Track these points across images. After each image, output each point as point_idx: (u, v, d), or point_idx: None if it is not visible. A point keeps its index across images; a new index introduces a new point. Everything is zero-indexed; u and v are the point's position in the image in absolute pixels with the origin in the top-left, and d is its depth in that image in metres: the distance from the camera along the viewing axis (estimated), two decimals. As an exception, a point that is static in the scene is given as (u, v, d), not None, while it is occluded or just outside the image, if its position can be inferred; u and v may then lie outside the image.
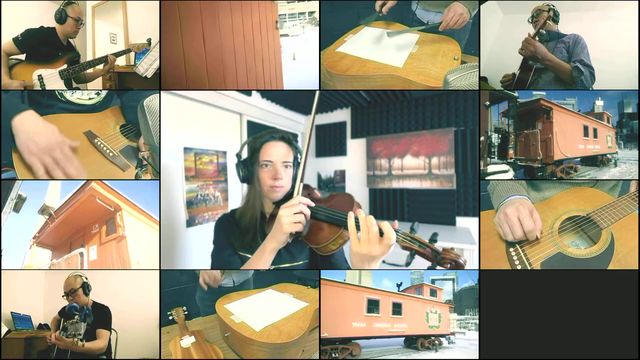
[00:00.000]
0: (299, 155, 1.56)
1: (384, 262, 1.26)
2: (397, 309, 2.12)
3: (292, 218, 1.24)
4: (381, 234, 1.14)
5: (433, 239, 1.15)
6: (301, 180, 1.36)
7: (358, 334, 1.85)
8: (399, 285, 2.31)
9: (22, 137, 1.40)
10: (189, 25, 1.87)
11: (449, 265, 1.11)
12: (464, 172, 3.77)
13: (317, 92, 1.46)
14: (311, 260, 1.59)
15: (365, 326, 1.89)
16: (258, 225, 1.51)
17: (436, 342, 2.26)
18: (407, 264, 1.14)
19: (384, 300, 2.03)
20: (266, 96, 3.98)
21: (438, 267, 1.13)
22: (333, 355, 1.73)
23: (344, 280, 1.92)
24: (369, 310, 1.95)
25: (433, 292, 2.45)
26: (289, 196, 1.48)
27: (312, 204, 1.29)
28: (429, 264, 1.15)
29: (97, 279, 1.96)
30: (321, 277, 1.80)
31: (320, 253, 1.31)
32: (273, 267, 1.41)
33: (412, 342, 2.19)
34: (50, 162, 1.42)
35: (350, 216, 1.18)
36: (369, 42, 2.04)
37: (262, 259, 1.32)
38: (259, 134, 1.53)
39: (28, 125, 1.41)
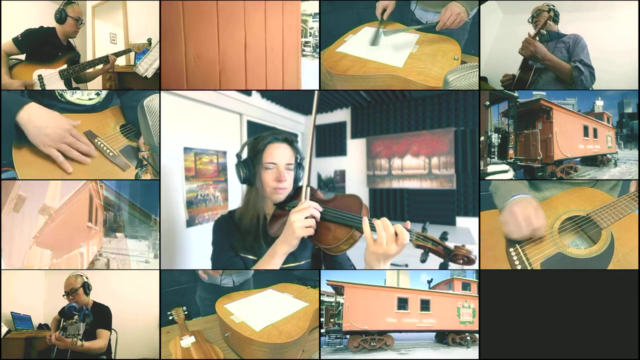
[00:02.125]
0: (298, 156, 1.56)
1: None
2: (425, 305, 2.25)
3: (304, 222, 1.26)
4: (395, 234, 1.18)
5: (444, 237, 1.19)
6: (308, 184, 1.37)
7: (391, 328, 2.13)
8: (429, 282, 2.38)
9: (33, 133, 1.45)
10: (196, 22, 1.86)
11: (461, 262, 1.15)
12: (464, 172, 3.77)
13: (317, 92, 1.47)
14: (313, 260, 1.60)
15: (396, 321, 2.16)
16: (260, 227, 1.50)
17: (469, 338, 2.25)
18: (423, 261, 1.18)
19: (413, 298, 2.22)
20: (266, 96, 3.97)
21: (450, 264, 1.17)
22: (372, 344, 2.06)
23: (384, 282, 2.20)
24: (399, 308, 2.19)
25: (466, 286, 2.41)
26: (290, 197, 1.49)
27: (321, 208, 1.31)
28: (440, 260, 1.19)
29: (97, 279, 1.96)
30: (335, 280, 2.04)
31: (330, 253, 1.32)
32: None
33: (443, 337, 2.25)
34: (65, 147, 1.52)
35: (365, 220, 1.22)
36: (369, 42, 2.04)
37: (272, 262, 1.32)
38: (260, 134, 1.52)
39: (35, 119, 1.45)
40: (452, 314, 2.30)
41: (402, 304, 2.19)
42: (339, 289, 2.03)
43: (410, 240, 1.19)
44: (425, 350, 2.18)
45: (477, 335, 2.20)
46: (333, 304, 2.03)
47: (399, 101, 4.24)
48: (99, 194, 2.26)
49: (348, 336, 2.04)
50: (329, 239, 1.28)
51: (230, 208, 3.25)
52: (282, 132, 1.53)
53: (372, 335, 2.08)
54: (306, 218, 1.27)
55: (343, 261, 1.63)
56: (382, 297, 2.15)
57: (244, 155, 1.52)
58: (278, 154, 1.46)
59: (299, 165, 1.54)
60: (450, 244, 1.18)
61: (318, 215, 1.29)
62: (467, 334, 2.26)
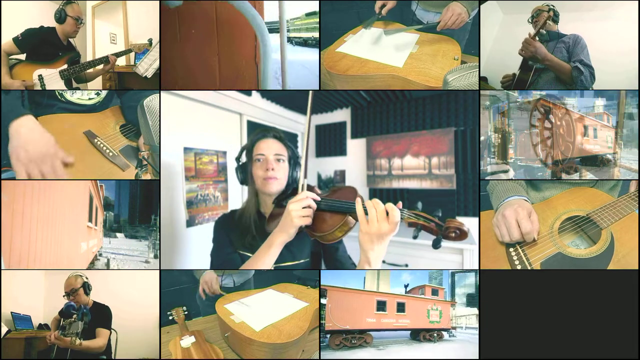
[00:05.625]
0: (296, 154, 1.59)
1: (384, 262, 1.30)
2: (400, 307, 2.54)
3: (301, 212, 1.29)
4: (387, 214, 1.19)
5: (435, 214, 1.20)
6: (305, 177, 1.40)
7: (370, 327, 2.37)
8: (406, 286, 2.72)
9: (14, 143, 1.39)
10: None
11: (453, 235, 1.15)
12: (464, 172, 3.77)
13: (311, 92, 1.49)
14: (312, 259, 1.61)
15: (375, 321, 2.40)
16: (257, 224, 1.53)
17: (436, 335, 2.63)
18: (415, 237, 1.19)
19: (390, 301, 2.49)
20: (266, 96, 3.97)
21: (443, 241, 1.17)
22: (353, 342, 2.24)
23: (363, 285, 2.46)
24: (378, 309, 2.43)
25: (435, 292, 2.79)
26: (288, 195, 1.50)
27: (318, 198, 1.34)
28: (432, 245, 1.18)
29: (97, 279, 1.96)
30: (332, 285, 2.21)
31: (325, 242, 1.34)
32: (274, 266, 1.42)
33: (416, 334, 2.60)
34: (36, 173, 1.40)
35: (358, 201, 1.24)
36: (369, 42, 2.04)
37: (269, 252, 1.35)
38: (252, 134, 1.60)
39: (24, 132, 1.40)
40: (423, 315, 2.64)
41: (381, 306, 2.46)
42: (322, 292, 2.15)
43: (402, 218, 1.19)
44: (400, 346, 2.43)
45: (443, 333, 2.71)
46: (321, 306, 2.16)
47: (399, 101, 4.24)
48: (98, 194, 2.26)
49: (329, 335, 2.21)
50: (324, 226, 1.30)
51: (230, 208, 3.26)
52: (272, 129, 1.61)
53: (352, 334, 2.27)
54: (304, 208, 1.29)
55: (344, 259, 1.64)
56: (363, 300, 2.38)
57: (243, 159, 1.61)
58: (265, 147, 1.53)
59: (295, 165, 1.59)
60: (442, 221, 1.18)
61: (315, 206, 1.32)
62: (435, 331, 2.66)
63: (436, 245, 1.17)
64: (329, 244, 1.39)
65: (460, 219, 3.75)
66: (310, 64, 2.17)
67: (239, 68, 2.07)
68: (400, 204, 1.22)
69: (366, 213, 1.21)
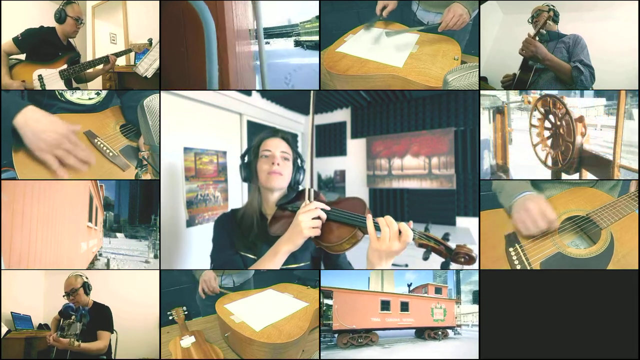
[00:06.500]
0: (296, 155, 1.60)
1: None
2: (404, 306, 2.59)
3: (311, 223, 1.28)
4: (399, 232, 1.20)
5: (446, 237, 1.21)
6: (311, 185, 1.40)
7: (376, 326, 2.43)
8: (409, 286, 2.75)
9: (30, 137, 1.42)
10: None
11: (462, 260, 1.16)
12: (464, 172, 3.77)
13: (312, 93, 1.48)
14: (313, 263, 1.61)
15: (380, 321, 2.46)
16: (259, 225, 1.52)
17: (440, 333, 2.67)
18: (425, 259, 1.20)
19: (394, 301, 2.55)
20: (266, 96, 3.98)
21: (452, 264, 1.18)
22: (359, 341, 2.31)
23: (368, 284, 2.53)
24: (382, 309, 2.50)
25: (438, 290, 2.84)
26: (292, 199, 1.50)
27: (328, 208, 1.33)
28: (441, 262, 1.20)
29: (97, 279, 1.96)
30: (337, 286, 2.27)
31: (331, 252, 1.34)
32: None
33: (421, 333, 2.65)
34: (62, 153, 1.46)
35: (369, 217, 1.24)
36: (369, 42, 2.04)
37: (274, 260, 1.34)
38: (261, 133, 1.62)
39: (32, 124, 1.43)
40: (427, 314, 2.68)
41: (385, 305, 2.50)
42: (328, 293, 2.22)
43: (413, 239, 1.20)
44: (405, 344, 2.48)
45: (448, 331, 2.74)
46: (322, 306, 2.17)
47: (399, 101, 4.24)
48: (98, 194, 2.26)
49: (336, 335, 2.26)
50: (332, 237, 1.29)
51: (230, 208, 3.26)
52: (280, 130, 1.64)
53: (359, 333, 2.31)
54: (313, 219, 1.29)
55: (345, 266, 1.65)
56: (368, 300, 2.43)
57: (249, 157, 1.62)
58: (273, 145, 1.55)
59: (299, 169, 1.60)
60: (452, 244, 1.20)
61: (325, 217, 1.31)
62: (439, 330, 2.69)
63: (445, 267, 1.18)
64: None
65: (460, 219, 3.80)
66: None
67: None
68: (411, 223, 1.22)
69: (377, 229, 1.21)
